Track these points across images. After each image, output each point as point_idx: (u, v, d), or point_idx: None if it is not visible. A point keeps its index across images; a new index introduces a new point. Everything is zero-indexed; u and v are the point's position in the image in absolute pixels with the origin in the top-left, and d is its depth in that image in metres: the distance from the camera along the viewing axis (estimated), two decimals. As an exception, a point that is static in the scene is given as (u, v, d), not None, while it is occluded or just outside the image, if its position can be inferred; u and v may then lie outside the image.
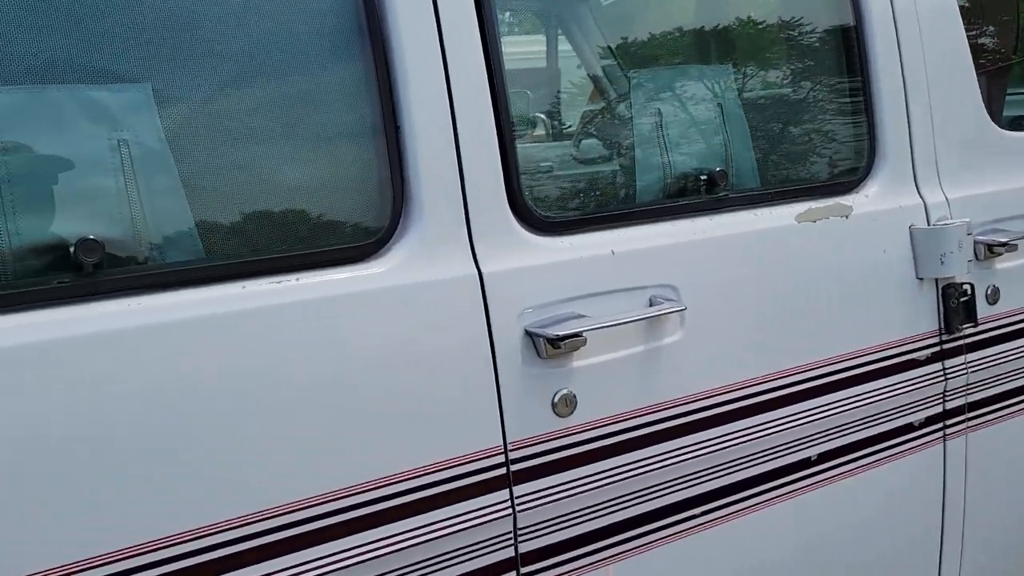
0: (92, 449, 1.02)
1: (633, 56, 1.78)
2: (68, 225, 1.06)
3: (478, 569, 1.27)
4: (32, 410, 0.99)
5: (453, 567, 1.24)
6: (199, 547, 1.07)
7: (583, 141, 1.74)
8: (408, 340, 1.21)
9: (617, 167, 1.56)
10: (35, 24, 1.05)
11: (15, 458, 0.98)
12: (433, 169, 1.25)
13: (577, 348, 1.30)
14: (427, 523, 1.21)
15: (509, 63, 1.35)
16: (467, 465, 1.25)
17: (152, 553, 1.04)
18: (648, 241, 1.43)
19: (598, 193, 1.55)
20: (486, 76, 1.30)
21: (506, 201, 1.31)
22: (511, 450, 1.28)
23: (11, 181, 1.03)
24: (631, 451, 1.38)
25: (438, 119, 1.26)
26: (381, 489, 1.18)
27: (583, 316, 1.33)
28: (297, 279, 1.16)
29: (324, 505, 1.15)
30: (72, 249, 1.04)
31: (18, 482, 0.98)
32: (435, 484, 1.22)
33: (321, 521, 1.14)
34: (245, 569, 1.10)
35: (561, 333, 1.27)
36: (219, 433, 1.09)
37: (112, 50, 1.10)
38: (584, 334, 1.29)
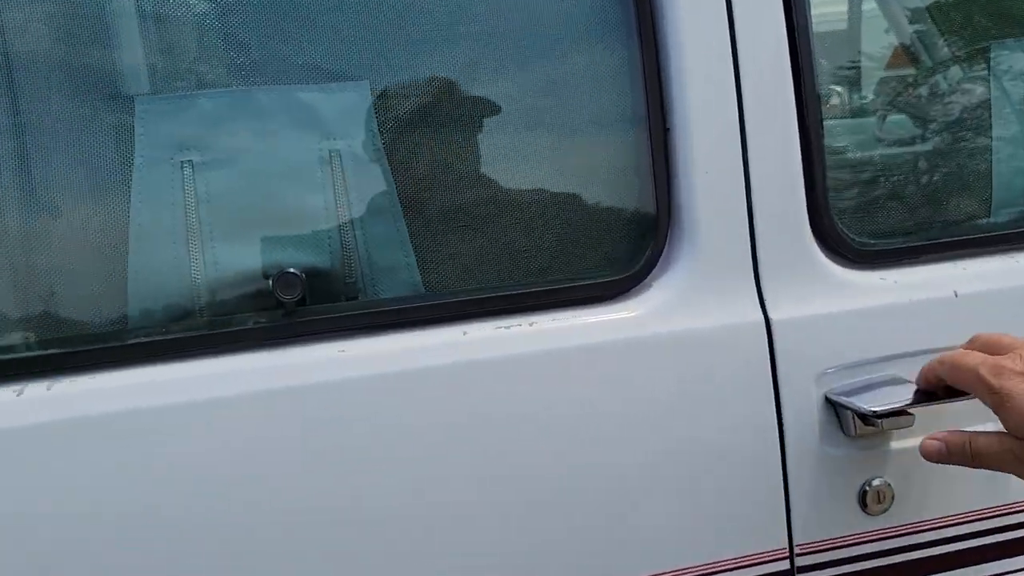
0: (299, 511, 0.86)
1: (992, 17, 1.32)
2: (265, 255, 0.90)
3: None
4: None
5: None
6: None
7: (923, 139, 1.32)
8: (666, 407, 0.93)
9: (969, 174, 1.15)
10: (232, 22, 0.89)
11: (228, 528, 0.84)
12: (711, 181, 0.96)
13: (900, 427, 0.95)
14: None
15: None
16: (738, 572, 0.96)
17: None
18: (1008, 279, 1.04)
19: (938, 209, 1.15)
20: (787, 52, 0.97)
21: (807, 223, 0.99)
22: (798, 555, 0.97)
23: (208, 201, 0.88)
24: (966, 566, 1.01)
25: (722, 114, 0.95)
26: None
27: (906, 382, 0.97)
28: (531, 323, 0.93)
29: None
30: (270, 283, 0.88)
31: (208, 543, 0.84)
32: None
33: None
34: None
35: (880, 409, 0.93)
36: (420, 503, 0.89)
37: (324, 43, 0.92)
38: (914, 411, 0.94)
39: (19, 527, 0.80)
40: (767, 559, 0.96)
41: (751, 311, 0.96)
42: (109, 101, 0.87)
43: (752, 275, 0.97)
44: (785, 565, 0.97)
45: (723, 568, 0.95)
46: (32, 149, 0.87)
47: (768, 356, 0.95)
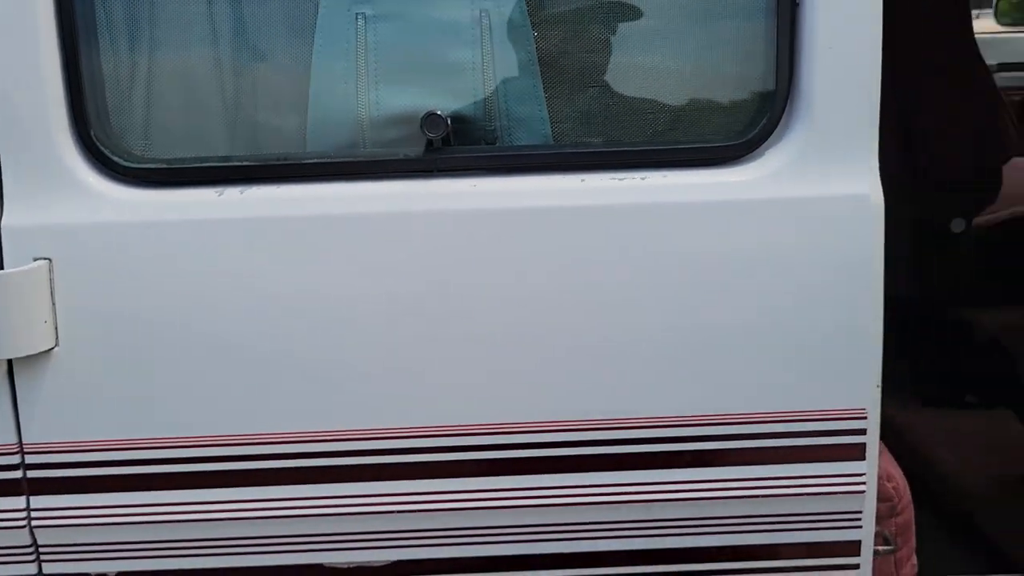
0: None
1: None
2: (419, 98, 1.04)
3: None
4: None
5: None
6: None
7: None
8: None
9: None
10: None
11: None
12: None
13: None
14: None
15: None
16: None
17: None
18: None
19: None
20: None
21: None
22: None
23: (376, 48, 1.04)
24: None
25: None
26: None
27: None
28: (643, 178, 1.03)
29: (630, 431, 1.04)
30: (420, 122, 1.03)
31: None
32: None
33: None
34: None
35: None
36: (536, 327, 1.03)
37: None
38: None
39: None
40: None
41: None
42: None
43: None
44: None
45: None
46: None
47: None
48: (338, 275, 1.02)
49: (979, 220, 2.69)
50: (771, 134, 1.02)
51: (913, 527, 1.23)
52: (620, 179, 1.02)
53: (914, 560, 1.24)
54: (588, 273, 1.02)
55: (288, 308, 1.02)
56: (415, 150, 1.03)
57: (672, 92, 1.05)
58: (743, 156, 1.03)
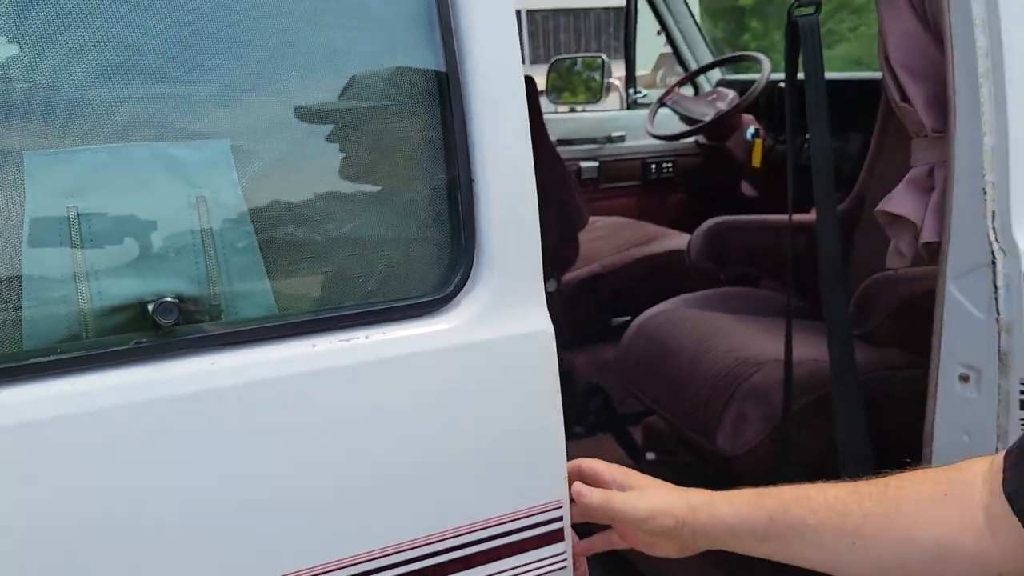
0: (174, 501, 1.06)
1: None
2: (147, 284, 1.07)
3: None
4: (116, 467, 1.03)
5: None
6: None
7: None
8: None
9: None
10: (118, 84, 1.05)
11: (102, 517, 1.02)
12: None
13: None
14: None
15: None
16: (526, 520, 1.26)
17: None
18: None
19: None
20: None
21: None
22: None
23: (92, 241, 1.05)
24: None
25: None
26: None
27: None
28: (366, 336, 1.17)
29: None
30: (150, 309, 1.06)
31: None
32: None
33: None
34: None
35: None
36: (288, 489, 1.12)
37: (192, 109, 1.10)
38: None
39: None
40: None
41: (536, 322, 1.25)
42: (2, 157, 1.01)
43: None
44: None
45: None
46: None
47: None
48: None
49: (566, 279, 3.22)
50: (463, 287, 1.23)
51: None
52: (347, 339, 1.16)
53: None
54: (321, 431, 1.14)
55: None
56: (147, 335, 1.06)
57: (381, 256, 1.21)
58: (444, 307, 1.22)
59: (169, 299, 1.07)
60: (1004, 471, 0.82)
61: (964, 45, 1.64)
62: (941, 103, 1.76)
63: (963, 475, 0.86)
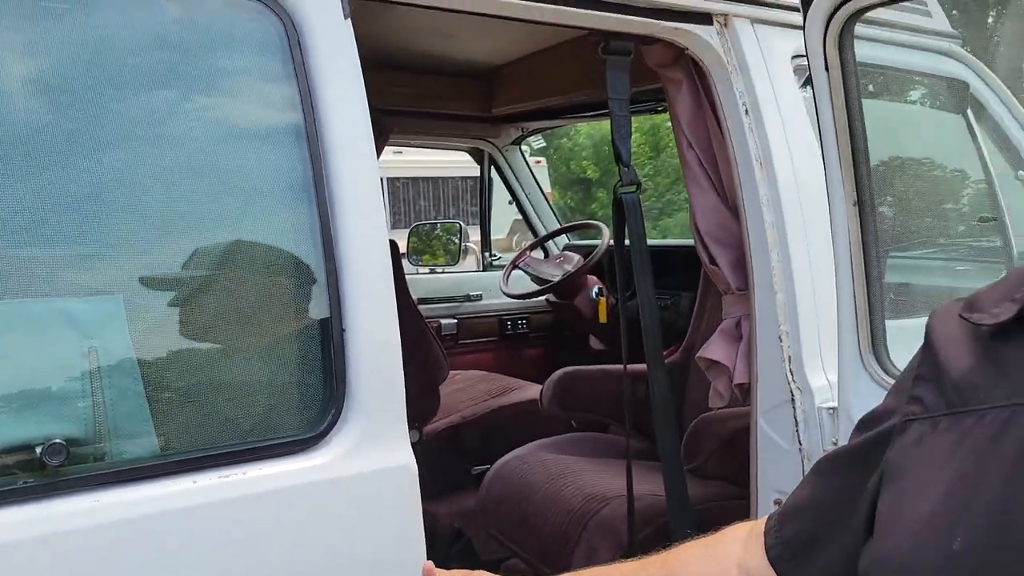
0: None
1: None
2: (37, 428, 1.17)
3: None
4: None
5: None
6: None
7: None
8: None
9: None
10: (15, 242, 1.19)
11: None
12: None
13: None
14: None
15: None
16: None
17: None
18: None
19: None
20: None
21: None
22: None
23: (-12, 388, 1.14)
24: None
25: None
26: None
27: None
28: (244, 472, 1.29)
29: None
30: (39, 451, 1.15)
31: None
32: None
33: None
34: None
35: None
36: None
37: (87, 266, 1.24)
38: None
39: None
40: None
41: (400, 456, 1.40)
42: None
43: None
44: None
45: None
46: None
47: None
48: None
49: (427, 429, 3.34)
50: (335, 426, 1.37)
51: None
52: (226, 476, 1.27)
53: None
54: (200, 562, 1.23)
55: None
56: (35, 476, 1.14)
57: (260, 400, 1.35)
58: (317, 444, 1.36)
59: (58, 441, 1.16)
60: (765, 534, 1.01)
61: (754, 219, 1.99)
62: (742, 265, 2.09)
63: (726, 537, 1.07)
